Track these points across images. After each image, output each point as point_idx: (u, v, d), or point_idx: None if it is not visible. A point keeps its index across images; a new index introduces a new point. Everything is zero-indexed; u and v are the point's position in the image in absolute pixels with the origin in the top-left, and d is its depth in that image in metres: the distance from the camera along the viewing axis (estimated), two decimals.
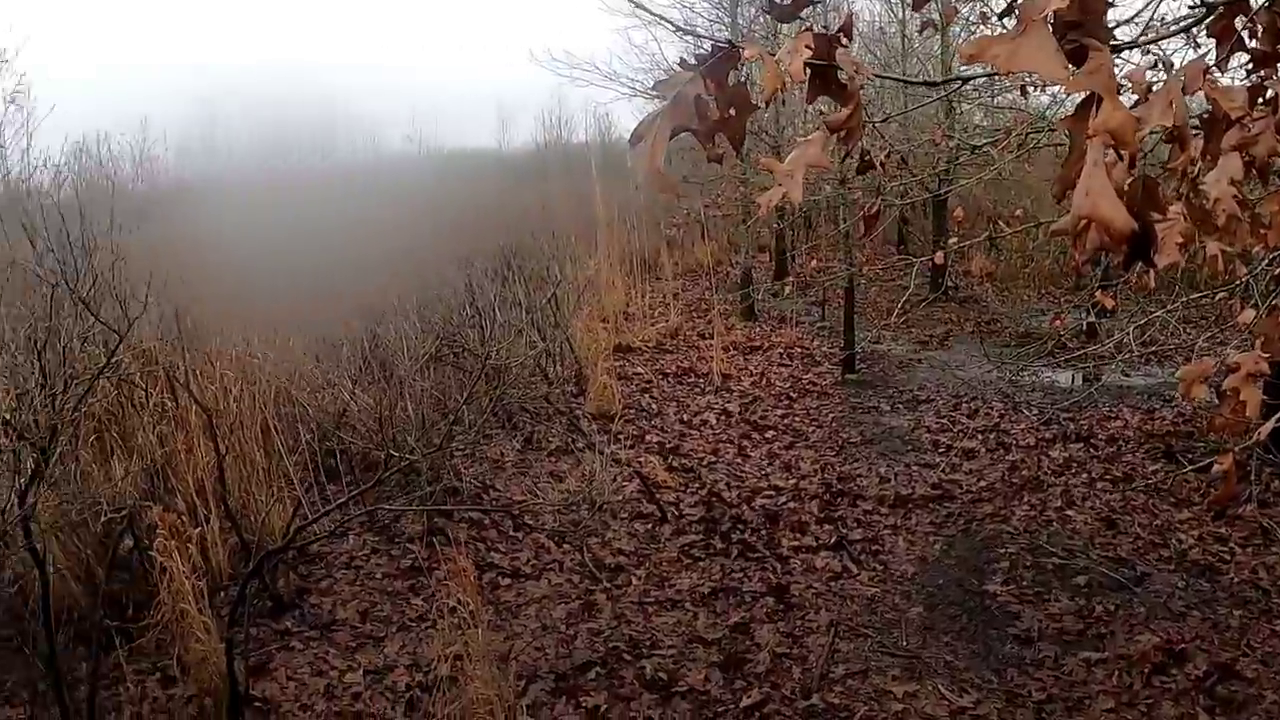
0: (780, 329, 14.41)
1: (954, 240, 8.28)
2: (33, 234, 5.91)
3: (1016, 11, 1.30)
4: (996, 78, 6.28)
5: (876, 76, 2.18)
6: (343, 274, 10.15)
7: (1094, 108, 1.30)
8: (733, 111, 1.64)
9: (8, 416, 4.88)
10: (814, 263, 12.64)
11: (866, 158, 2.36)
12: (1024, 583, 6.30)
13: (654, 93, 1.67)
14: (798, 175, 1.72)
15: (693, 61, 1.61)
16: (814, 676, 5.33)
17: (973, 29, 11.58)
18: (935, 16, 7.18)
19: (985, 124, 12.42)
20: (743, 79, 1.67)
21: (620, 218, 16.98)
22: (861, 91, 1.75)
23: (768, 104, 1.68)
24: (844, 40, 1.67)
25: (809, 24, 1.74)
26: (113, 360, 5.59)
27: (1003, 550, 6.78)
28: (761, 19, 15.31)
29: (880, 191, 5.66)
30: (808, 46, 1.62)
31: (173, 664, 5.34)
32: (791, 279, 14.64)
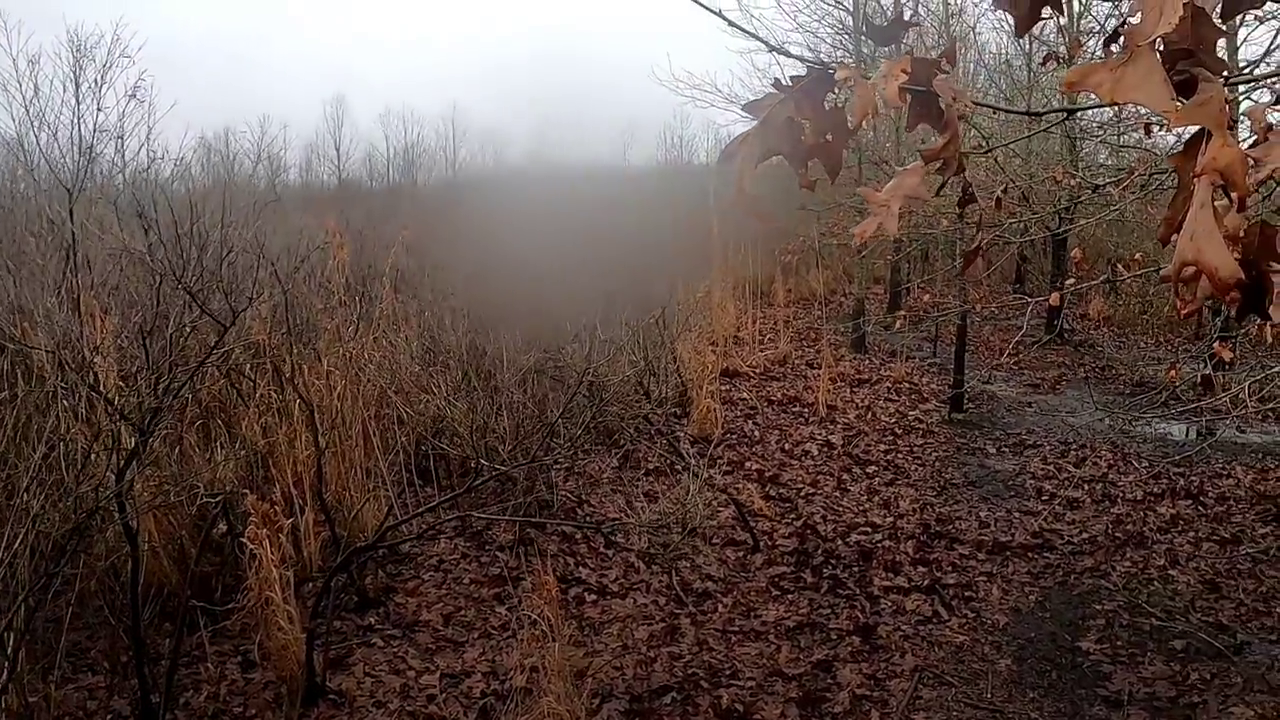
0: (890, 363, 14.23)
1: (1071, 281, 8.03)
2: (147, 224, 6.04)
3: (1122, 38, 1.23)
4: (1119, 115, 6.08)
5: (976, 105, 2.09)
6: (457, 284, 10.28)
7: (1203, 144, 1.21)
8: (829, 137, 1.60)
9: (111, 397, 5.00)
10: (927, 297, 12.42)
11: (969, 191, 2.26)
12: (1119, 642, 6.02)
13: (744, 113, 1.63)
14: (894, 206, 1.66)
15: (787, 83, 1.56)
16: None
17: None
18: (1061, 49, 6.99)
19: (1110, 163, 12.11)
20: (841, 104, 1.62)
21: (736, 242, 16.94)
22: (980, 120, 1.69)
23: (857, 130, 1.62)
24: (945, 66, 1.61)
25: (910, 48, 1.69)
26: (216, 351, 5.69)
27: (1100, 607, 6.50)
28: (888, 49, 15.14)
29: (981, 226, 5.48)
30: (904, 71, 1.55)
31: (254, 649, 5.44)
32: (904, 313, 14.46)
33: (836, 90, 1.59)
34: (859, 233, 1.73)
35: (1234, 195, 1.22)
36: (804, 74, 1.58)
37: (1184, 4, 1.14)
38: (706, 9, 2.12)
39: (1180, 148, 1.31)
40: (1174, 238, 1.25)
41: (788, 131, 1.55)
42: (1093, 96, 1.23)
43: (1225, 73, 1.27)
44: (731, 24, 2.28)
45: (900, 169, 1.73)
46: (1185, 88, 1.23)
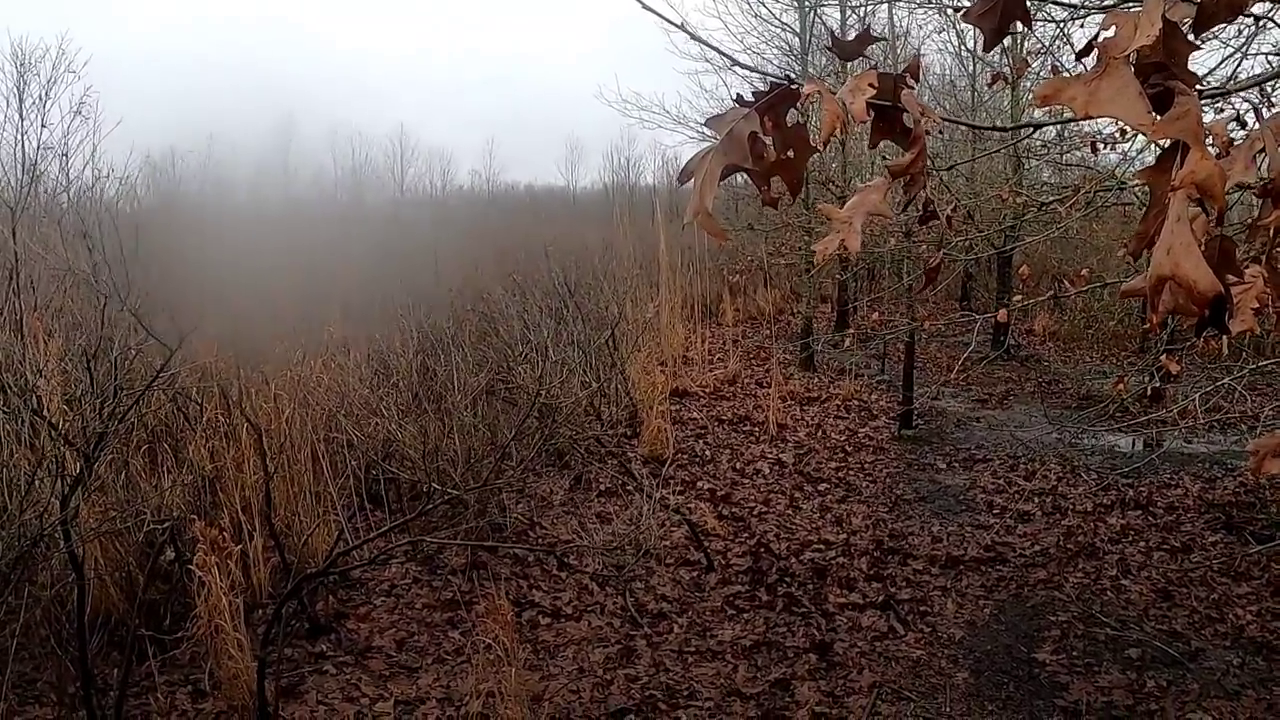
0: (839, 381, 14.30)
1: (1018, 298, 8.16)
2: (92, 245, 5.93)
3: (1096, 51, 1.23)
4: (1067, 133, 6.19)
5: (944, 120, 2.08)
6: (405, 302, 10.21)
7: (1178, 158, 1.21)
8: (790, 153, 1.56)
9: (55, 421, 4.91)
10: (875, 315, 12.53)
11: (930, 208, 2.25)
12: (1074, 653, 6.08)
13: (706, 129, 1.60)
14: (856, 223, 1.62)
15: (750, 98, 1.53)
16: None
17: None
18: (1006, 70, 7.10)
19: (1053, 181, 12.32)
20: (803, 120, 1.59)
21: (684, 262, 17.01)
22: (928, 139, 1.67)
23: (826, 144, 1.58)
24: (910, 82, 1.59)
25: (874, 64, 1.68)
26: (162, 373, 5.60)
27: (1054, 618, 6.56)
28: (831, 67, 15.36)
29: (943, 244, 5.54)
30: (871, 85, 1.53)
31: (204, 678, 5.34)
32: (852, 331, 14.54)
33: (799, 106, 1.55)
34: (820, 249, 1.69)
35: (1212, 209, 1.23)
36: (768, 89, 1.56)
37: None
38: (669, 21, 2.12)
39: (1127, 166, 1.32)
40: (1145, 252, 1.25)
41: (750, 147, 1.52)
42: (1065, 111, 1.24)
43: (1198, 86, 1.28)
44: (694, 36, 2.27)
45: (861, 185, 1.71)
46: (1160, 101, 1.23)
